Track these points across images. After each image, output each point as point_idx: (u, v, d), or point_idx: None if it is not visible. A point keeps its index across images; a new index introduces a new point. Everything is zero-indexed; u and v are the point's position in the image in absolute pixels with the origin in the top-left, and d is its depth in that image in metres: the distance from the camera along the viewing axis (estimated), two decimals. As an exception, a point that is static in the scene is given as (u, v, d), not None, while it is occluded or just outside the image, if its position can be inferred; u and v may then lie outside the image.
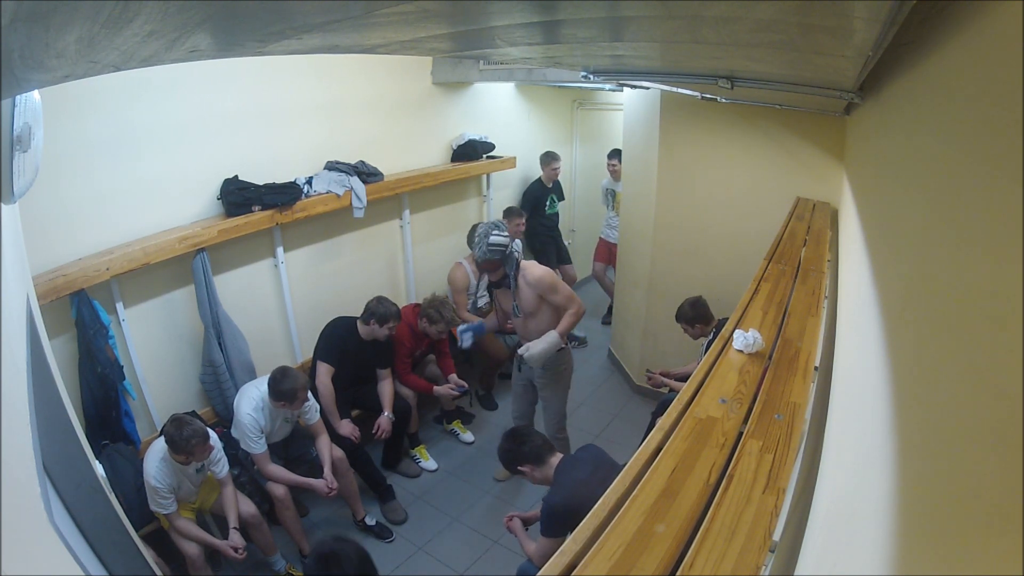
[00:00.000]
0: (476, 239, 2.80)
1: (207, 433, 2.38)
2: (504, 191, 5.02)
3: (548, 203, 5.05)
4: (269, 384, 2.66)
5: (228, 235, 2.84)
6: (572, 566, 0.98)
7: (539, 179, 5.05)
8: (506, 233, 2.76)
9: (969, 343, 0.51)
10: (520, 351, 2.87)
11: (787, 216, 3.13)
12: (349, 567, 1.61)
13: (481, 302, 4.21)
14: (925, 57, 0.93)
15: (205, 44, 0.99)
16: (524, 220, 4.49)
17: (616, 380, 4.60)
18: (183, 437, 2.28)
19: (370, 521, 3.09)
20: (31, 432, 1.17)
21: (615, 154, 5.08)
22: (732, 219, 3.57)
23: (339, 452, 2.97)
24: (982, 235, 0.52)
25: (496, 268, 2.81)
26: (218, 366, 2.91)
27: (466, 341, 3.17)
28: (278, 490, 2.74)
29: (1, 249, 1.25)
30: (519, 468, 2.26)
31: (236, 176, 2.94)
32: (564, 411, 3.12)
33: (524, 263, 2.86)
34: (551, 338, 2.80)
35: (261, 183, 3.02)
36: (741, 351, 1.79)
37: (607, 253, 5.24)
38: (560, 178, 5.24)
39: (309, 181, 3.26)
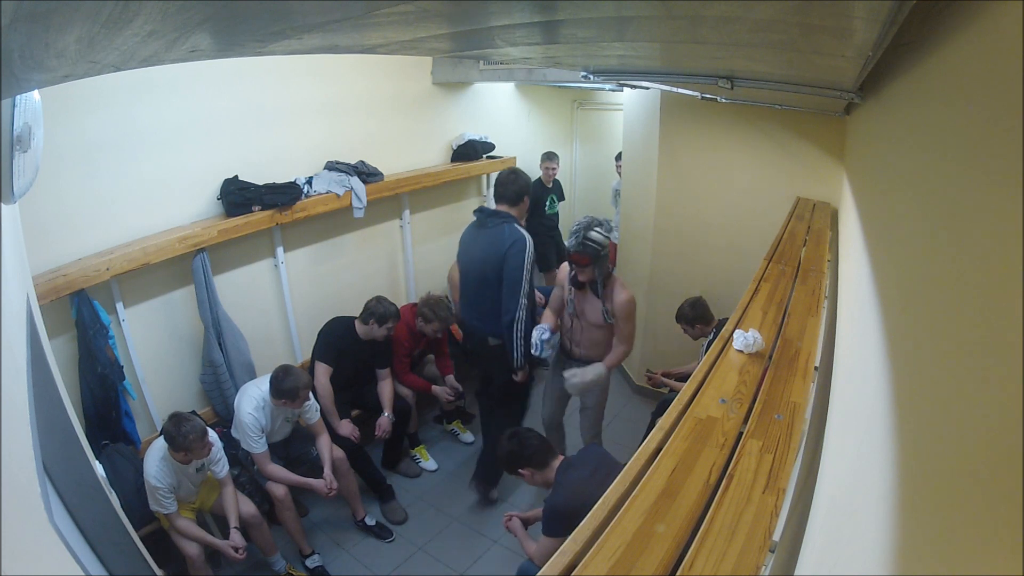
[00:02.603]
0: (573, 227, 2.60)
1: (205, 430, 2.38)
2: (504, 191, 5.01)
3: (548, 203, 5.05)
4: (271, 382, 2.66)
5: (228, 235, 2.84)
6: (572, 566, 0.98)
7: (539, 179, 5.05)
8: (607, 233, 2.60)
9: (969, 342, 0.51)
10: (567, 374, 2.77)
11: (787, 216, 3.13)
12: None
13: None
14: (925, 57, 0.93)
15: (205, 44, 0.99)
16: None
17: (616, 380, 4.58)
18: (181, 433, 2.28)
19: (370, 521, 3.09)
20: (31, 432, 1.17)
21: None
22: (732, 219, 3.57)
23: (339, 452, 2.97)
24: (982, 235, 0.52)
25: (585, 265, 2.60)
26: (218, 366, 2.91)
27: (546, 352, 2.84)
28: (278, 490, 2.74)
29: (1, 249, 1.25)
30: (520, 471, 2.25)
31: (236, 176, 2.95)
32: (602, 415, 3.06)
33: (618, 278, 2.74)
34: (599, 370, 2.72)
35: (261, 183, 3.02)
36: (741, 351, 1.79)
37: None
38: (560, 178, 5.23)
39: (309, 181, 3.26)
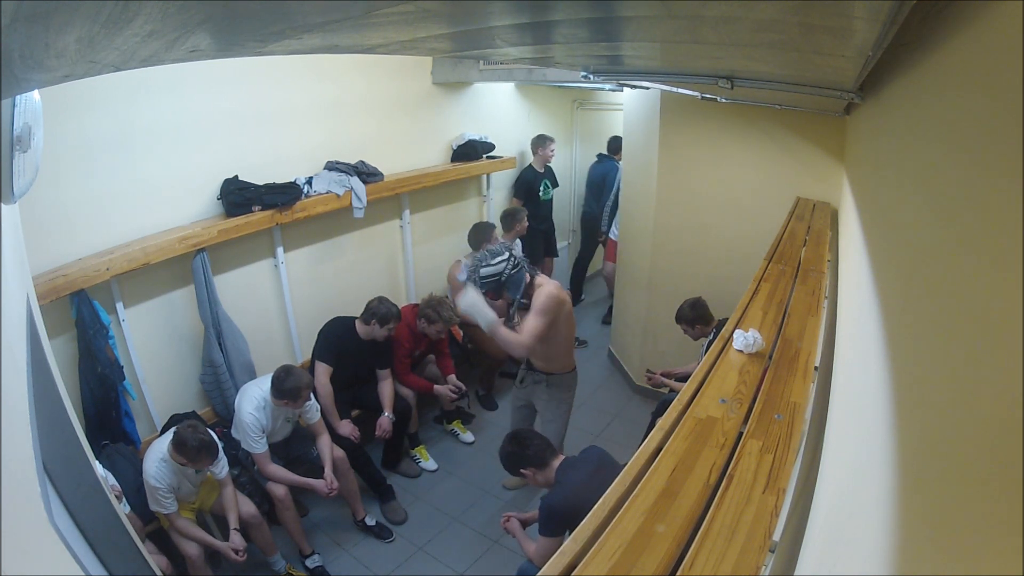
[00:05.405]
0: (469, 271, 2.60)
1: (217, 449, 2.38)
2: (504, 191, 5.01)
3: (542, 189, 4.97)
4: (273, 382, 2.66)
5: (228, 235, 2.84)
6: (572, 566, 0.98)
7: (530, 165, 4.93)
8: (499, 259, 2.54)
9: (968, 343, 0.51)
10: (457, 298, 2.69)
11: (787, 216, 3.14)
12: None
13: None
14: (925, 57, 0.93)
15: (205, 44, 0.99)
16: (526, 217, 4.38)
17: (616, 380, 4.60)
18: (193, 447, 2.28)
19: (370, 521, 3.09)
20: (31, 432, 1.17)
21: None
22: (732, 219, 3.57)
23: (339, 452, 2.97)
24: (981, 235, 0.52)
25: (497, 297, 2.66)
26: (218, 366, 2.91)
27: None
28: (278, 490, 2.74)
29: (1, 249, 1.25)
30: (521, 471, 2.26)
31: (236, 176, 2.94)
32: (563, 434, 2.90)
33: (541, 281, 2.63)
34: (488, 315, 2.51)
35: (261, 183, 3.02)
36: (741, 351, 1.79)
37: (612, 251, 5.19)
38: (561, 179, 5.21)
39: (309, 181, 3.26)
